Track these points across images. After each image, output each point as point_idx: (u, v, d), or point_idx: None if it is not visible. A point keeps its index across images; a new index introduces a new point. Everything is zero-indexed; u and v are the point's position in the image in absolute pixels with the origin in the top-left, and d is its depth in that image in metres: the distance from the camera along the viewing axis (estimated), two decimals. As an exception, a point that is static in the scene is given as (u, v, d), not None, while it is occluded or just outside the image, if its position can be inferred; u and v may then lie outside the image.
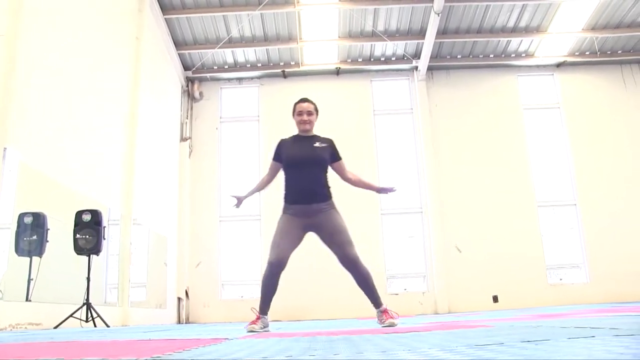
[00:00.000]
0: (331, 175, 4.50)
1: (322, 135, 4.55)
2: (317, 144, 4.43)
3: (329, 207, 4.33)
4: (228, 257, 13.16)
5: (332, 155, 4.48)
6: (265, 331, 4.15)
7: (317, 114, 4.53)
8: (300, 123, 4.47)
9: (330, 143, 4.51)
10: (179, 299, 12.32)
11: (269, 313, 4.27)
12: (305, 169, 4.35)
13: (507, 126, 13.78)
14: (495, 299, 12.48)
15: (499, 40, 13.49)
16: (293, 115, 4.51)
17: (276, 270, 4.20)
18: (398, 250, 13.14)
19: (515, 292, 12.44)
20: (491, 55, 13.96)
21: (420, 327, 3.75)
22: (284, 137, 4.60)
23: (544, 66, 14.21)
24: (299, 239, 4.34)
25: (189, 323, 12.09)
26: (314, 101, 4.54)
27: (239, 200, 4.84)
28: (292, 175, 4.39)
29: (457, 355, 1.50)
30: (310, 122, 4.47)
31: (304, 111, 4.45)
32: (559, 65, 14.15)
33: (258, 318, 4.19)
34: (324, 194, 4.35)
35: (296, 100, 4.55)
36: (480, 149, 13.55)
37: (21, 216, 6.25)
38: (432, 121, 13.62)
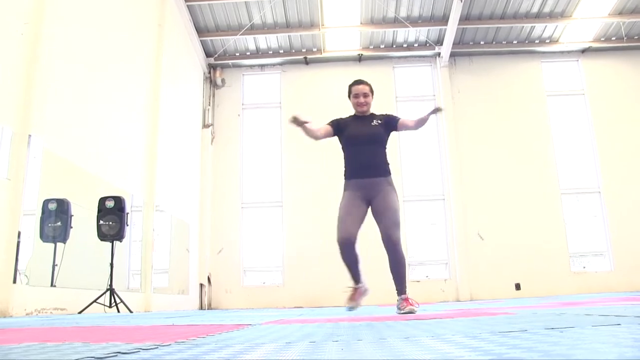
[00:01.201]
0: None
1: (379, 113, 4.60)
2: (374, 122, 4.47)
3: (387, 183, 4.35)
4: (250, 243, 13.23)
5: (389, 124, 4.50)
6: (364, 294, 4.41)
7: (372, 95, 4.56)
8: (357, 105, 4.53)
9: (385, 117, 4.54)
10: (201, 285, 12.43)
11: (362, 279, 4.36)
12: (365, 146, 4.39)
13: (531, 113, 13.60)
14: (517, 286, 12.39)
15: (523, 26, 13.28)
16: (349, 97, 4.56)
17: (347, 248, 4.22)
18: (420, 237, 13.11)
19: (538, 280, 12.35)
20: (514, 42, 13.76)
21: (443, 314, 3.74)
22: (341, 117, 4.60)
23: (569, 52, 13.97)
24: (364, 212, 4.35)
25: (211, 309, 12.20)
26: (369, 82, 4.58)
27: (299, 121, 4.17)
28: (352, 153, 4.43)
29: (481, 342, 1.49)
30: (367, 104, 4.52)
31: (360, 93, 4.50)
32: (584, 51, 13.91)
33: (355, 290, 4.31)
34: (384, 169, 4.38)
35: (351, 83, 4.60)
36: (502, 136, 13.41)
37: (46, 202, 6.32)
38: (454, 108, 13.50)
